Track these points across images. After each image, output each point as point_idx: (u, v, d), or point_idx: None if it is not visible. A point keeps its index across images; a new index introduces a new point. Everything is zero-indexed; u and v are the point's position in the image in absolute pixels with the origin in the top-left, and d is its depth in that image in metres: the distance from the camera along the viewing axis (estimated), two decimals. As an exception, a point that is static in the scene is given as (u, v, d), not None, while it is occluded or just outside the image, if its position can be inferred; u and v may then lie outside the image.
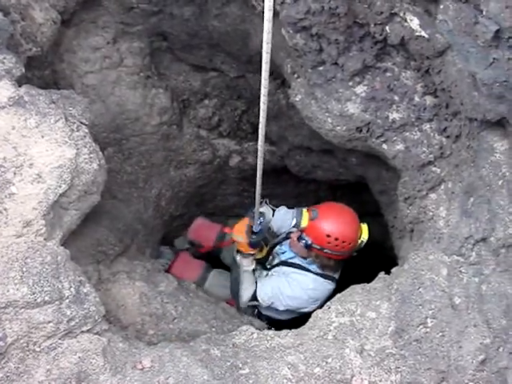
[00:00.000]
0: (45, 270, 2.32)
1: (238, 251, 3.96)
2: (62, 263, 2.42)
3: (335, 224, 3.53)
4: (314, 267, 3.82)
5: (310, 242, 3.61)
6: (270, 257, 4.19)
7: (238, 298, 3.98)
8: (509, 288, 2.25)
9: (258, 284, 3.94)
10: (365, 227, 3.62)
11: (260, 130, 2.56)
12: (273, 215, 4.28)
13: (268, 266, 4.16)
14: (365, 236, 3.60)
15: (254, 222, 3.68)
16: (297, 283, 3.77)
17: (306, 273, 3.83)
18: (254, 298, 3.91)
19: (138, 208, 4.18)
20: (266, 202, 4.24)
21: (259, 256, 4.10)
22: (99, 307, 2.52)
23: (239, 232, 3.82)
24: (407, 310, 2.53)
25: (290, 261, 3.96)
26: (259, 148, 2.75)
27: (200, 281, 4.38)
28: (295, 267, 3.89)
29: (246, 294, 3.93)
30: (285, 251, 4.08)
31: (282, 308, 3.87)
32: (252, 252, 3.91)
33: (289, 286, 3.78)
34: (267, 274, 4.09)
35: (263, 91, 2.26)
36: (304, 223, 3.60)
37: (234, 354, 2.67)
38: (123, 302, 3.32)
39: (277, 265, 4.07)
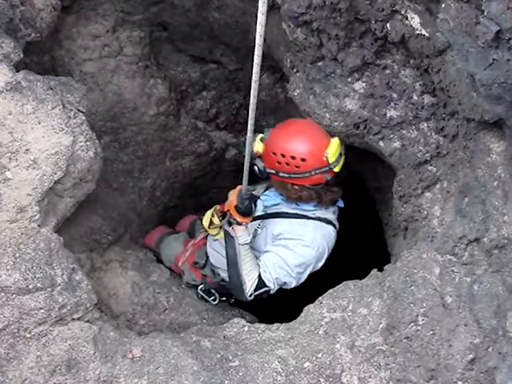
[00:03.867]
0: (38, 257, 2.32)
1: (229, 223, 3.35)
2: (55, 250, 2.42)
3: (280, 138, 3.05)
4: (305, 208, 3.30)
5: (261, 167, 3.15)
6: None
7: (242, 287, 3.21)
8: (500, 289, 2.26)
9: (259, 264, 3.25)
10: (334, 140, 3.04)
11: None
12: None
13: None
14: (330, 151, 3.00)
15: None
16: (297, 243, 3.17)
17: (299, 220, 3.28)
18: (261, 283, 3.21)
19: (133, 198, 4.18)
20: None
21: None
22: (91, 295, 2.52)
23: (232, 193, 3.31)
24: (399, 308, 2.54)
25: (276, 210, 3.43)
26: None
27: (157, 245, 4.20)
28: (285, 217, 3.34)
29: (250, 280, 3.20)
30: (268, 196, 3.54)
31: (295, 283, 3.27)
32: (239, 219, 3.27)
33: (291, 252, 3.17)
34: (259, 227, 3.44)
35: (254, 77, 2.20)
36: (256, 147, 3.11)
37: (225, 346, 2.68)
38: (115, 291, 3.32)
39: (263, 217, 3.47)
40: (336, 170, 3.07)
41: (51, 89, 2.57)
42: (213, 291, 3.74)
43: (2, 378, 2.20)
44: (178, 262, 3.94)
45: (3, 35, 2.54)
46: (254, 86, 2.22)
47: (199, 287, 3.74)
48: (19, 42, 2.73)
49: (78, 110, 2.65)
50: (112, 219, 3.71)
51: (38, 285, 2.28)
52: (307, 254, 3.16)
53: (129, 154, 4.13)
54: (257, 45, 2.05)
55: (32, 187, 2.35)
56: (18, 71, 2.51)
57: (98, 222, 3.52)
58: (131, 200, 4.14)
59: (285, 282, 3.25)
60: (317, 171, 3.04)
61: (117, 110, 3.85)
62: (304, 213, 3.30)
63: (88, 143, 2.62)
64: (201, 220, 3.89)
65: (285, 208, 3.40)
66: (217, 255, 3.62)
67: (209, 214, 3.66)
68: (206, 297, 3.72)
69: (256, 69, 2.14)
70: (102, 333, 2.50)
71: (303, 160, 2.99)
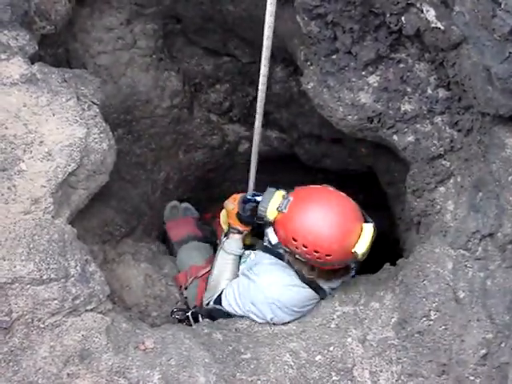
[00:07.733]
0: (51, 248, 2.34)
1: (226, 234, 3.25)
2: (68, 241, 2.43)
3: (303, 223, 2.54)
4: None
5: (275, 242, 2.70)
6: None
7: (207, 294, 3.14)
8: (514, 284, 2.25)
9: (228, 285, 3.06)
10: (367, 229, 2.58)
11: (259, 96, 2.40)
12: None
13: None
14: (361, 246, 2.52)
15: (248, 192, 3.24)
16: (258, 287, 2.83)
17: (284, 270, 2.84)
18: (218, 300, 3.03)
19: (146, 190, 4.19)
20: None
21: (246, 242, 3.27)
22: (104, 287, 2.53)
23: (232, 199, 3.17)
24: (411, 302, 2.54)
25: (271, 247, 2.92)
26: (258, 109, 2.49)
27: (179, 244, 4.03)
28: (275, 256, 2.91)
29: (215, 290, 3.07)
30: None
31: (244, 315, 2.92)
32: (240, 228, 3.13)
33: (248, 289, 2.88)
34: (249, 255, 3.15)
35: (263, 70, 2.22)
36: (270, 215, 2.66)
37: (237, 338, 2.69)
38: (128, 282, 3.34)
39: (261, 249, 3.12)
40: (361, 259, 2.61)
41: (66, 81, 2.58)
42: (199, 317, 3.19)
43: (16, 367, 2.22)
44: (193, 273, 3.58)
45: (18, 28, 2.56)
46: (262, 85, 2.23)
47: (190, 311, 3.25)
48: (34, 34, 2.75)
49: (92, 103, 2.66)
50: (125, 211, 3.72)
51: (52, 276, 2.30)
52: (264, 303, 2.78)
53: (142, 146, 4.14)
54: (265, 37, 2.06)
55: (46, 179, 2.37)
56: (32, 63, 2.53)
57: (111, 214, 3.54)
58: (144, 192, 4.15)
59: (236, 312, 2.94)
60: (341, 262, 2.66)
61: (130, 103, 3.86)
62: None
63: (102, 135, 2.62)
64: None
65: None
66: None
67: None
68: (192, 321, 3.18)
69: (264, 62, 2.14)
70: (114, 324, 2.51)
71: (328, 255, 2.52)
